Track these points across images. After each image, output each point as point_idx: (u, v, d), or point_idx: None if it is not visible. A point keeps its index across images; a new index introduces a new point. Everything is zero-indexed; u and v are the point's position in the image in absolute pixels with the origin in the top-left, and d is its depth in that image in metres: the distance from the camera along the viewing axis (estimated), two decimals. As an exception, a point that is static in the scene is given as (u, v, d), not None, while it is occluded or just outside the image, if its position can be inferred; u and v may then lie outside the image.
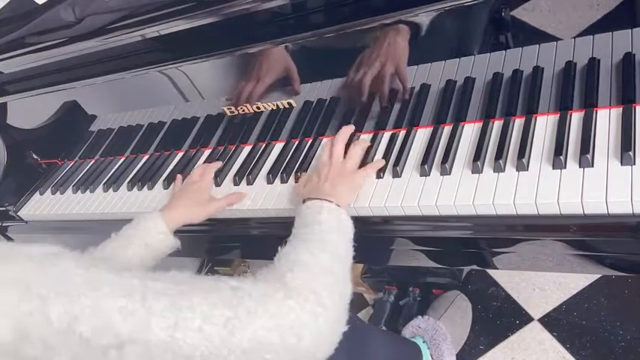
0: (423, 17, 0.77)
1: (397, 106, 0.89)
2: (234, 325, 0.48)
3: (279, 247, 0.65)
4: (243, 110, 1.01)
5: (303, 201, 0.76)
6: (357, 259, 0.70)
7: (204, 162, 1.06)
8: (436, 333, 1.21)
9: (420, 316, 1.26)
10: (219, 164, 1.02)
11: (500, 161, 0.73)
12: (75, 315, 0.44)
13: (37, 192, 1.26)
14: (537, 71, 0.78)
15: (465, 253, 0.80)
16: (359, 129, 0.93)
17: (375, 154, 0.87)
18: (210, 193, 0.96)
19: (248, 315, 0.49)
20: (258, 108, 0.99)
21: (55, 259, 0.48)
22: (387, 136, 0.89)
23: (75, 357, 0.44)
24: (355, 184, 0.81)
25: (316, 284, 0.55)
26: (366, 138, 0.90)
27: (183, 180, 1.02)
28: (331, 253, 0.63)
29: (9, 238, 1.30)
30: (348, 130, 0.88)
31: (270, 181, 0.94)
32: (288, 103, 0.96)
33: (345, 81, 0.89)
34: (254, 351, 0.48)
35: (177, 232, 0.88)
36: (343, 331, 0.56)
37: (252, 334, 0.48)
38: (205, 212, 0.91)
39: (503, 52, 0.79)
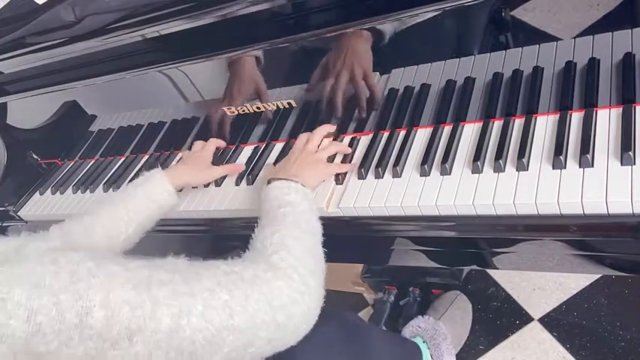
0: (423, 17, 0.77)
1: (396, 107, 0.89)
2: (232, 307, 0.52)
3: (254, 229, 0.69)
4: (243, 110, 1.01)
5: (269, 181, 0.79)
6: (357, 259, 0.70)
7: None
8: (436, 333, 1.21)
9: (420, 316, 1.26)
10: (220, 142, 1.06)
11: (500, 161, 0.73)
12: (86, 309, 0.45)
13: (37, 192, 1.26)
14: (537, 71, 0.78)
15: (465, 253, 0.80)
16: (359, 129, 0.93)
17: (374, 154, 0.87)
18: (210, 163, 1.00)
19: (244, 297, 0.53)
20: (258, 108, 0.99)
21: (62, 254, 0.49)
22: (386, 135, 0.89)
23: (87, 350, 0.45)
24: (322, 172, 0.84)
25: (300, 265, 0.60)
26: (345, 142, 0.93)
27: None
28: (309, 233, 0.69)
29: (9, 238, 1.30)
30: (327, 127, 0.92)
31: (270, 182, 0.93)
32: (288, 103, 0.96)
33: (340, 80, 0.89)
34: (249, 330, 0.52)
35: (176, 232, 0.88)
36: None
37: (248, 317, 0.52)
38: (204, 176, 0.97)
39: (503, 52, 0.79)
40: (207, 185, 1.00)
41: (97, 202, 0.88)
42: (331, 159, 0.90)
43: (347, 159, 0.90)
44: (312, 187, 0.82)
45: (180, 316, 0.49)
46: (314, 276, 0.61)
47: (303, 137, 0.91)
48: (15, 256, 0.48)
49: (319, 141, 0.90)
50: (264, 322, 0.53)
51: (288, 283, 0.57)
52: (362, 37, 0.82)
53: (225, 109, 1.02)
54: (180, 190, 0.96)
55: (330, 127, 0.92)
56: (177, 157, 1.12)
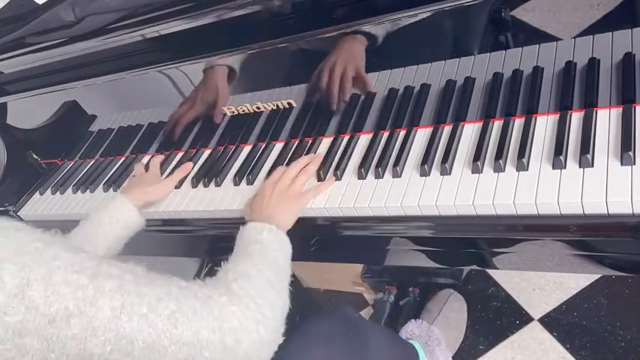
0: (423, 17, 0.77)
1: (396, 107, 0.89)
2: (178, 318, 0.51)
3: (222, 263, 0.69)
4: (243, 110, 1.01)
5: (245, 223, 0.80)
6: (357, 259, 0.70)
7: (204, 162, 1.06)
8: (429, 339, 1.20)
9: (413, 320, 1.26)
10: (159, 158, 1.11)
11: (500, 161, 0.73)
12: (28, 280, 0.46)
13: (37, 192, 1.26)
14: (537, 71, 0.78)
15: (465, 253, 0.80)
16: (358, 129, 0.93)
17: (374, 154, 0.87)
18: (159, 177, 1.05)
19: (192, 312, 0.53)
20: (258, 108, 0.99)
21: (16, 231, 0.51)
22: (386, 135, 0.89)
23: (23, 321, 0.46)
24: (295, 209, 0.84)
25: (259, 295, 0.60)
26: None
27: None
28: (273, 270, 0.68)
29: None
30: (305, 160, 0.91)
31: (270, 181, 0.93)
32: (288, 103, 0.96)
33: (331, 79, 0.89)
34: (193, 346, 0.52)
35: (176, 232, 0.88)
36: (280, 342, 0.60)
37: (194, 331, 0.52)
38: (160, 190, 0.99)
39: (503, 52, 0.79)
40: (206, 186, 1.00)
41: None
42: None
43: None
44: (288, 226, 0.82)
45: (122, 311, 0.49)
46: (272, 309, 0.60)
47: (278, 171, 0.90)
48: None
49: (295, 174, 0.88)
50: (210, 341, 0.53)
51: (242, 309, 0.56)
52: (358, 37, 0.82)
53: (225, 108, 1.02)
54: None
55: (307, 159, 0.91)
56: (177, 158, 1.12)
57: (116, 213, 0.92)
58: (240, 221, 0.93)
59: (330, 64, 0.88)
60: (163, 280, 0.55)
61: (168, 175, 1.05)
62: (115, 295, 0.49)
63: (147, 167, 1.09)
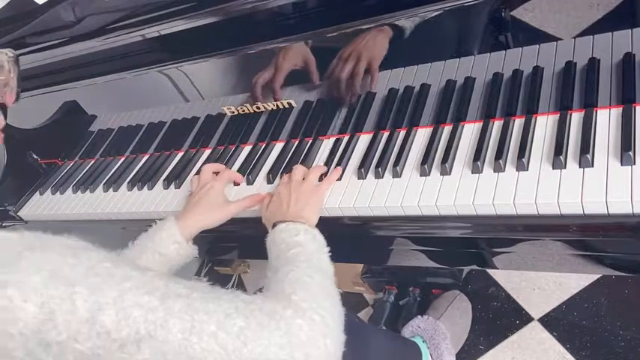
0: (424, 17, 0.77)
1: (396, 107, 0.89)
2: (247, 335, 0.49)
3: (266, 273, 0.67)
4: (243, 110, 1.01)
5: (274, 225, 0.77)
6: (357, 259, 0.70)
7: (204, 162, 1.06)
8: (435, 333, 1.21)
9: (419, 316, 1.26)
10: (237, 176, 0.97)
11: (500, 161, 0.73)
12: (99, 305, 0.45)
13: (37, 192, 1.26)
14: (537, 71, 0.78)
15: (465, 253, 0.80)
16: (359, 129, 0.93)
17: (374, 154, 0.87)
18: (225, 197, 0.92)
19: (260, 328, 0.50)
20: (258, 108, 0.99)
21: (85, 251, 0.50)
22: (386, 135, 0.89)
23: (93, 348, 0.45)
24: (318, 202, 0.82)
25: (319, 306, 0.57)
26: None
27: (198, 179, 0.96)
28: (322, 273, 0.66)
29: (9, 238, 1.30)
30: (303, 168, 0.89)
31: (270, 181, 0.94)
32: (288, 103, 0.96)
33: (340, 78, 0.89)
34: None
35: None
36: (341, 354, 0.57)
37: (263, 348, 0.49)
38: (221, 216, 0.88)
39: (503, 52, 0.79)
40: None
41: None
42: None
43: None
44: (315, 222, 0.80)
45: (191, 332, 0.48)
46: (334, 319, 0.57)
47: (286, 176, 0.88)
48: (40, 245, 0.48)
49: (305, 171, 0.87)
50: (279, 358, 0.50)
51: (308, 322, 0.54)
52: (384, 29, 0.80)
53: (225, 108, 1.02)
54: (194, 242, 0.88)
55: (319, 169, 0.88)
56: (177, 158, 1.12)
57: (160, 246, 0.83)
58: (240, 221, 0.93)
59: (348, 53, 0.86)
60: (229, 296, 0.53)
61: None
62: (185, 316, 0.48)
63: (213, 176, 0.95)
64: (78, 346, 0.44)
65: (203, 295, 0.51)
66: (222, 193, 0.91)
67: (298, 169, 0.87)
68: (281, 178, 0.90)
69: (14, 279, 0.43)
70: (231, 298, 0.53)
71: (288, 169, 0.92)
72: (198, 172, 0.99)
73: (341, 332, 0.58)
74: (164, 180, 1.07)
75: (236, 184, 0.96)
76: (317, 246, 0.72)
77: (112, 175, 1.17)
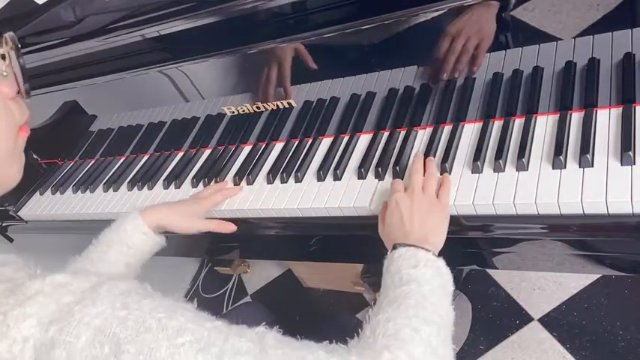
0: (425, 17, 0.77)
1: (396, 107, 0.89)
2: None
3: (369, 310, 0.56)
4: (243, 110, 1.01)
5: (394, 246, 0.65)
6: (357, 259, 0.70)
7: (204, 162, 1.06)
8: None
9: None
10: (236, 190, 0.95)
11: (500, 161, 0.73)
12: None
13: (37, 192, 1.26)
14: (537, 71, 0.78)
15: (465, 253, 0.80)
16: (358, 129, 0.93)
17: (374, 154, 0.87)
18: (200, 215, 0.90)
19: None
20: (258, 108, 0.99)
21: (137, 297, 0.45)
22: (386, 135, 0.89)
23: None
24: (443, 220, 0.69)
25: None
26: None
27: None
28: (435, 325, 0.54)
29: (9, 239, 1.30)
30: (419, 160, 0.77)
31: (270, 181, 0.94)
32: (288, 103, 0.96)
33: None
34: None
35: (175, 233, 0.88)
36: None
37: None
38: (186, 225, 0.87)
39: (503, 52, 0.79)
40: (206, 185, 0.99)
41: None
42: None
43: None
44: (441, 245, 0.67)
45: None
46: None
47: (398, 182, 0.75)
48: (90, 291, 0.44)
49: (421, 179, 0.73)
50: None
51: None
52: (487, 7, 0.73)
53: (225, 108, 1.02)
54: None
55: (421, 158, 0.78)
56: (177, 158, 1.12)
57: (126, 238, 0.80)
58: (240, 221, 0.93)
59: (454, 32, 0.78)
60: (302, 352, 0.46)
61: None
62: None
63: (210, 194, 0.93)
64: None
65: (266, 351, 0.44)
66: (203, 210, 0.90)
67: (417, 176, 0.73)
68: (392, 179, 0.79)
69: (62, 339, 0.40)
70: (302, 355, 0.45)
71: (288, 169, 0.92)
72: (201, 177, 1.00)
73: None
74: (164, 180, 1.07)
75: None
76: (438, 283, 0.59)
77: (112, 175, 1.17)
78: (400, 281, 0.58)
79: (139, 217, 0.83)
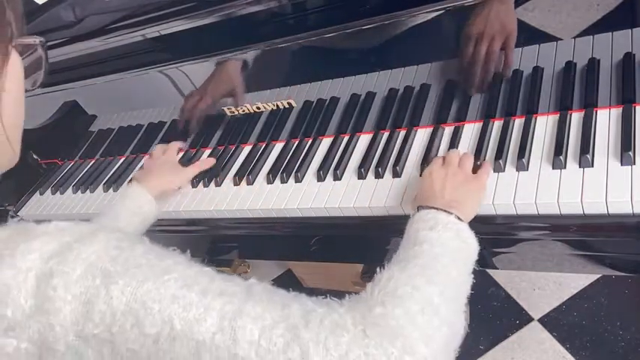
0: (425, 17, 0.77)
1: (396, 107, 0.89)
2: (293, 349, 0.42)
3: (378, 269, 0.52)
4: (243, 110, 1.01)
5: (418, 209, 0.63)
6: (357, 259, 0.69)
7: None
8: None
9: None
10: (180, 144, 1.07)
11: (500, 161, 0.73)
12: (135, 297, 0.43)
13: (37, 192, 1.26)
14: (537, 71, 0.78)
15: (465, 253, 0.80)
16: (358, 129, 0.93)
17: (374, 154, 0.87)
18: (178, 165, 1.00)
19: (314, 344, 0.42)
20: (258, 108, 0.99)
21: (131, 243, 0.48)
22: (386, 135, 0.89)
23: (128, 342, 0.43)
24: (477, 191, 0.68)
25: (410, 326, 0.44)
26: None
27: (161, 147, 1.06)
28: (440, 284, 0.51)
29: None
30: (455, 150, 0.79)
31: (270, 181, 0.94)
32: (288, 103, 0.96)
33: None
34: None
35: (176, 232, 0.88)
36: None
37: None
38: (179, 178, 0.97)
39: (503, 52, 0.79)
40: (206, 185, 1.00)
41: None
42: None
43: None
44: (472, 216, 0.64)
45: (234, 340, 0.42)
46: (431, 344, 0.44)
47: (439, 159, 0.73)
48: (89, 235, 0.47)
49: (458, 157, 0.73)
50: None
51: (381, 348, 0.42)
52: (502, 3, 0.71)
53: (225, 109, 1.02)
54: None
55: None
56: (177, 158, 1.12)
57: (134, 206, 0.88)
58: (241, 221, 0.93)
59: (476, 34, 0.76)
60: (286, 300, 0.46)
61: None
62: (225, 320, 0.43)
63: (164, 151, 1.04)
64: (113, 339, 0.43)
65: (253, 297, 0.45)
66: (174, 162, 1.01)
67: (454, 153, 0.73)
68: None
69: (60, 269, 0.43)
70: (286, 303, 0.45)
71: (288, 169, 0.92)
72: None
73: None
74: (164, 180, 1.07)
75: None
76: (455, 246, 0.57)
77: (112, 175, 1.17)
78: (414, 242, 0.56)
79: (142, 188, 0.90)
